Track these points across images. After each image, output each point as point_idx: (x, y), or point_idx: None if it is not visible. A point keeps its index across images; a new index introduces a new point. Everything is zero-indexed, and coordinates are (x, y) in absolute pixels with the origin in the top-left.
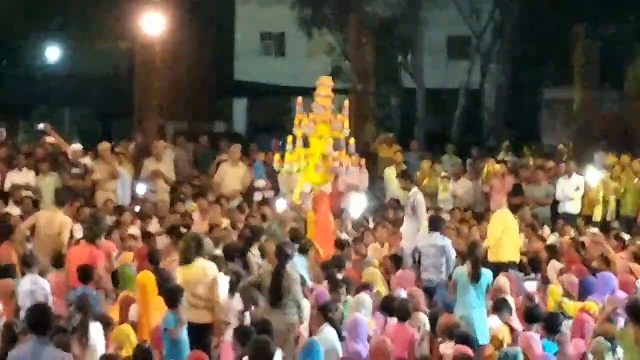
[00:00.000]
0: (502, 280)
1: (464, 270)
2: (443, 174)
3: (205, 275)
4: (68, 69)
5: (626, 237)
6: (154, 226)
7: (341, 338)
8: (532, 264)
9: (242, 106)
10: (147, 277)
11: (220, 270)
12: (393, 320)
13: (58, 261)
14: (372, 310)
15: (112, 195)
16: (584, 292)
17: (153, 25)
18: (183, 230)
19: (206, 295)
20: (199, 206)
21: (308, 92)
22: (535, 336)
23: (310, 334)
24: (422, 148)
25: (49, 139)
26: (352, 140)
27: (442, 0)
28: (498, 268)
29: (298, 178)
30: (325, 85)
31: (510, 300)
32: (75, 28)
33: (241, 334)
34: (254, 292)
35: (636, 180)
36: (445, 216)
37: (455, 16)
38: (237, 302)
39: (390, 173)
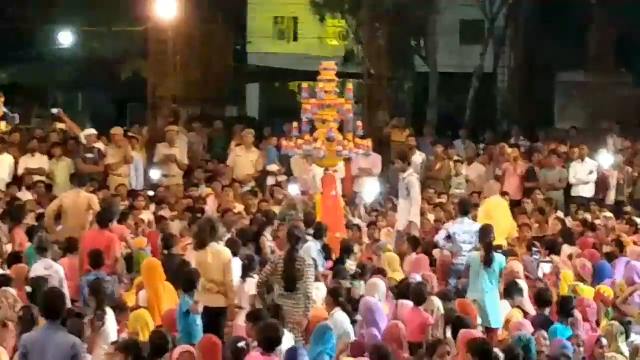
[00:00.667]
0: (514, 264)
1: (476, 255)
2: (456, 157)
3: (219, 259)
4: (81, 53)
5: (639, 220)
6: (166, 211)
7: (354, 322)
8: (548, 246)
9: (255, 90)
10: (153, 263)
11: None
12: (405, 304)
13: (72, 246)
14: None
15: (125, 179)
16: (596, 276)
17: (166, 9)
18: (197, 214)
19: (220, 279)
20: (212, 191)
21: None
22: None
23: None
24: (435, 132)
25: (61, 125)
26: (359, 123)
27: None
28: None
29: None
30: (328, 70)
31: (523, 284)
32: (89, 13)
33: (253, 317)
34: (271, 277)
35: None
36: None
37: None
38: (250, 286)
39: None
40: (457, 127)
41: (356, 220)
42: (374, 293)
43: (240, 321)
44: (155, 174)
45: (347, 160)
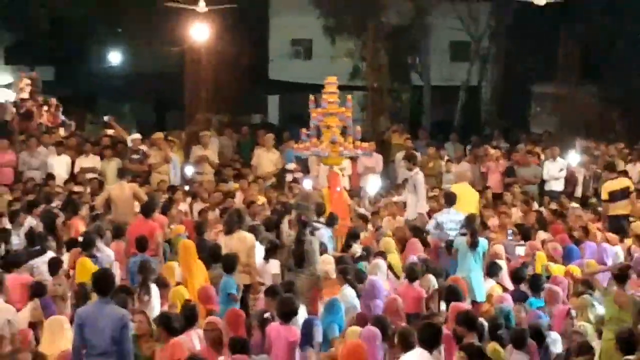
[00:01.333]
0: (497, 247)
1: (463, 239)
2: (446, 157)
3: (244, 243)
4: (128, 68)
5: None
6: (199, 203)
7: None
8: (523, 233)
9: (275, 101)
10: (188, 244)
11: (257, 239)
12: (402, 281)
13: (119, 232)
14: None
15: (165, 177)
16: (566, 257)
17: (200, 32)
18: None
19: (245, 260)
20: (239, 186)
21: None
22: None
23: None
24: (429, 136)
25: (109, 131)
26: (358, 128)
27: (446, 10)
28: None
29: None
30: (331, 84)
31: (502, 264)
32: (134, 34)
33: (271, 292)
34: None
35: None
36: None
37: (457, 24)
38: (272, 267)
39: (401, 157)
40: (448, 131)
41: (362, 211)
42: (376, 272)
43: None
44: (190, 172)
45: (354, 160)
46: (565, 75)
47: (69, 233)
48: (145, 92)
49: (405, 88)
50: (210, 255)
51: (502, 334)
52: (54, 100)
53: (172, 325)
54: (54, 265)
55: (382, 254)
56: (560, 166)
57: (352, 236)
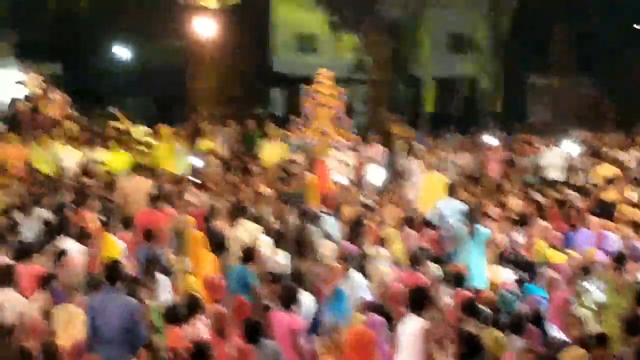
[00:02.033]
0: (499, 236)
1: (463, 227)
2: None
3: (249, 233)
4: (133, 63)
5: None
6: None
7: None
8: (523, 221)
9: (279, 95)
10: (196, 235)
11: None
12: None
13: (127, 223)
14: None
15: (172, 168)
16: (565, 245)
17: (205, 27)
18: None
19: None
20: (245, 177)
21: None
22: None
23: None
24: (428, 127)
25: (115, 124)
26: (348, 120)
27: (445, 3)
28: None
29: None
30: (322, 76)
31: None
32: (139, 29)
33: (274, 279)
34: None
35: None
36: None
37: (455, 17)
38: (280, 257)
39: (400, 148)
40: (447, 122)
41: (366, 200)
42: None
43: None
44: (197, 163)
45: (357, 151)
46: (559, 67)
47: (79, 225)
48: (150, 86)
49: (405, 80)
50: (216, 244)
51: (501, 320)
52: (63, 95)
53: (171, 315)
54: (62, 255)
55: (382, 241)
56: (557, 155)
57: (357, 223)
